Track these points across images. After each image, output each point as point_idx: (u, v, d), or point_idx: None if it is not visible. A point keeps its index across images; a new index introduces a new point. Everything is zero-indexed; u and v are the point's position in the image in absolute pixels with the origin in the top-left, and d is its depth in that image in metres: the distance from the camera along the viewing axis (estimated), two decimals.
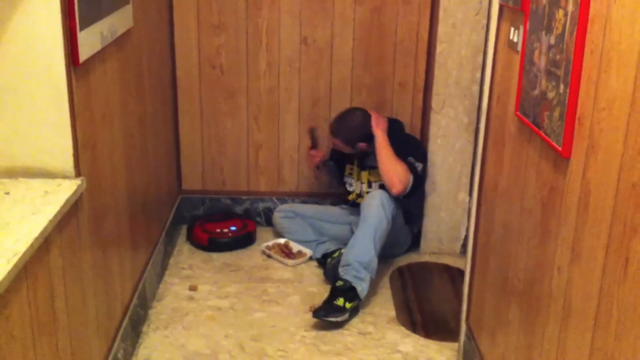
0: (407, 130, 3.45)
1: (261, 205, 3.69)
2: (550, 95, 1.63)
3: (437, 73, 3.23)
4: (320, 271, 3.22)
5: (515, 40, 1.98)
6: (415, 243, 3.46)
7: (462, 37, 3.17)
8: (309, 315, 2.83)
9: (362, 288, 2.85)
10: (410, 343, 2.72)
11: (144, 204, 2.81)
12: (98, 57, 2.05)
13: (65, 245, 1.79)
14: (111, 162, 2.26)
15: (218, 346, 2.64)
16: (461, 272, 2.96)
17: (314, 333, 2.75)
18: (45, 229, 1.56)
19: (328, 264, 3.13)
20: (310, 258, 3.34)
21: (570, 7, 1.52)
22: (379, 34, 3.45)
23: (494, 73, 2.23)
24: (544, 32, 1.69)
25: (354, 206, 3.37)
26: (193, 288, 3.05)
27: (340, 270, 2.90)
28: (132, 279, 2.61)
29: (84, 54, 1.86)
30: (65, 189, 1.77)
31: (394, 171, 3.03)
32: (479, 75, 3.20)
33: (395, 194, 3.02)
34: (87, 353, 2.01)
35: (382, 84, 3.53)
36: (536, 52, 1.74)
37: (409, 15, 3.42)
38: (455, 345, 2.65)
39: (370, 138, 3.17)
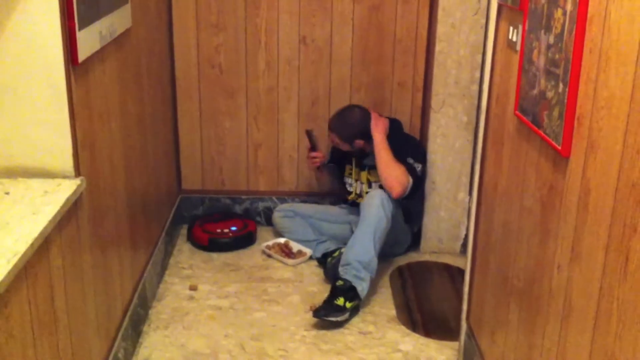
0: (407, 129, 3.45)
1: (261, 205, 3.69)
2: (550, 94, 1.63)
3: (436, 72, 3.23)
4: (320, 271, 3.22)
5: (514, 39, 1.98)
6: (415, 242, 3.47)
7: (461, 36, 3.17)
8: (309, 314, 2.83)
9: (362, 287, 2.86)
10: (411, 342, 2.72)
11: (143, 203, 2.81)
12: (97, 56, 2.05)
13: (65, 245, 1.79)
14: (110, 162, 2.26)
15: (218, 346, 2.65)
16: (461, 271, 2.97)
17: (314, 332, 2.75)
18: (45, 228, 1.56)
19: (328, 263, 3.13)
20: (311, 257, 3.34)
21: (569, 7, 1.52)
22: (378, 34, 3.45)
23: (493, 72, 2.23)
24: (542, 32, 1.69)
25: (354, 205, 3.37)
26: (193, 288, 3.05)
27: (340, 269, 2.90)
28: (132, 278, 2.61)
29: (82, 53, 1.86)
30: (65, 189, 1.77)
31: (393, 175, 3.03)
32: (478, 74, 3.20)
33: (395, 197, 3.01)
34: (88, 353, 2.01)
35: (381, 83, 3.53)
36: (535, 52, 1.74)
37: (408, 15, 3.42)
38: (455, 344, 2.65)
39: (368, 136, 3.16)
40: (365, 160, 3.33)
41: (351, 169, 3.41)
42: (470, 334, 2.45)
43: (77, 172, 1.87)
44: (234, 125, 3.59)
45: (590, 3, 1.44)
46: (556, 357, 1.62)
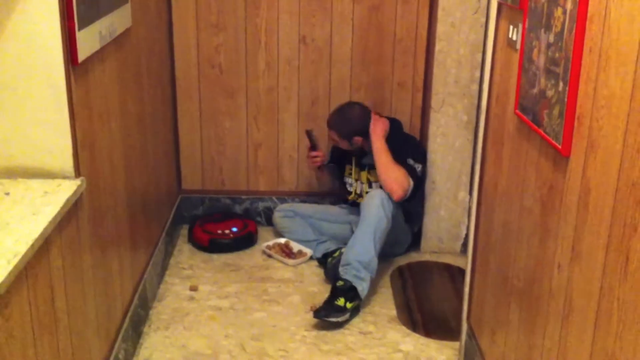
0: (407, 129, 3.44)
1: (261, 205, 3.69)
2: (550, 93, 1.63)
3: (436, 72, 3.23)
4: (320, 271, 3.22)
5: (514, 38, 1.98)
6: (415, 242, 3.46)
7: (461, 35, 3.17)
8: (310, 314, 2.83)
9: (362, 288, 2.85)
10: (411, 342, 2.72)
11: (143, 203, 2.81)
12: (97, 56, 2.05)
13: (65, 246, 1.79)
14: (110, 162, 2.26)
15: (219, 346, 2.64)
16: (461, 271, 2.97)
17: (314, 332, 2.75)
18: (45, 229, 1.56)
19: (328, 263, 3.13)
20: (311, 258, 3.34)
21: (568, 5, 1.52)
22: (377, 33, 3.45)
23: (493, 71, 2.23)
24: (542, 30, 1.69)
25: (354, 205, 3.37)
26: (194, 288, 3.05)
27: (341, 270, 2.90)
28: (133, 279, 2.61)
29: (82, 53, 1.86)
30: (65, 189, 1.76)
31: (393, 178, 3.02)
32: (478, 73, 3.20)
33: (397, 200, 3.01)
34: (88, 353, 2.01)
35: (381, 83, 3.53)
36: (535, 51, 1.74)
37: (407, 14, 3.42)
38: (455, 344, 2.65)
39: (367, 133, 3.16)
40: (364, 160, 3.33)
41: (351, 169, 3.41)
42: (471, 334, 2.45)
43: (77, 173, 1.86)
44: (234, 125, 3.59)
45: (590, 2, 1.44)
46: (557, 357, 1.62)
